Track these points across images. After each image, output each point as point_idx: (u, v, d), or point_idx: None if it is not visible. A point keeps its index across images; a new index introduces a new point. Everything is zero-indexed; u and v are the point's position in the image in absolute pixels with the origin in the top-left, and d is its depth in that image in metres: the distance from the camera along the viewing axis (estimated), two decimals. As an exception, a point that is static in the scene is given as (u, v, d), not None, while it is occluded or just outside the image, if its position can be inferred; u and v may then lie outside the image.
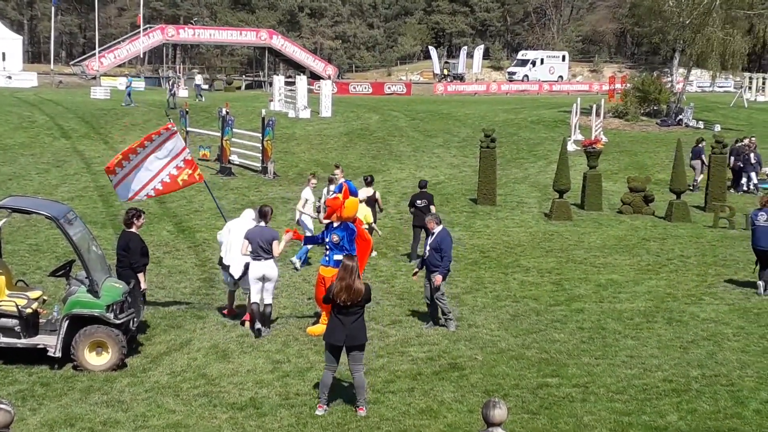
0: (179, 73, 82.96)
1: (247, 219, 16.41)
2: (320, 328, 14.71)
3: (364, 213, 20.21)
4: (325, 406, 11.78)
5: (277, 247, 15.52)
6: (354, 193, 15.38)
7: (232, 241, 16.00)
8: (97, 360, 13.32)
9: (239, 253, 15.63)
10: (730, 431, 11.17)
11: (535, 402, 12.15)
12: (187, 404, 12.08)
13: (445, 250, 15.70)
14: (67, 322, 13.29)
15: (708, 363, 13.89)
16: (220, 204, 18.84)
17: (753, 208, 28.88)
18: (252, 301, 15.59)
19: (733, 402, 12.17)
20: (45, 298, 14.93)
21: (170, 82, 55.47)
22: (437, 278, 15.57)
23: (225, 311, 16.64)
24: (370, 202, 21.58)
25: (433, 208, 21.10)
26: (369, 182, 22.25)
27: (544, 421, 11.47)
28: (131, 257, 14.85)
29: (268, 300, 15.58)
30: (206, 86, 69.13)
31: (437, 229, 15.87)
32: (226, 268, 16.26)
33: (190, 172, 17.96)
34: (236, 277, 15.98)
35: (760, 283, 18.56)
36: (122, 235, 15.19)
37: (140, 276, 14.92)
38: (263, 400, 12.22)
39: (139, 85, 67.08)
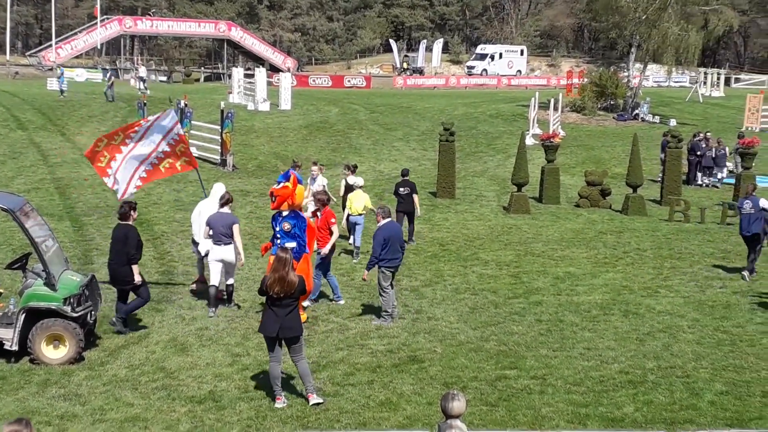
0: (120, 65, 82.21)
1: (217, 196, 16.74)
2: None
3: (365, 200, 20.82)
4: (282, 398, 11.78)
5: (237, 232, 15.92)
6: (300, 182, 15.54)
7: (202, 221, 16.49)
8: (54, 353, 13.21)
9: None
10: (685, 422, 11.30)
11: (493, 394, 12.22)
12: (146, 398, 12.03)
13: (373, 245, 15.64)
14: (23, 315, 13.16)
15: (664, 355, 14.05)
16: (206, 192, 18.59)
17: (708, 202, 29.33)
18: (211, 284, 16.03)
19: (688, 393, 12.32)
20: (1, 291, 14.79)
21: (108, 75, 54.41)
22: (363, 274, 15.76)
23: (195, 281, 17.61)
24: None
25: (416, 197, 22.19)
26: (354, 170, 22.85)
27: (502, 413, 11.55)
28: (129, 250, 14.64)
29: (230, 281, 16.33)
30: (165, 77, 68.67)
31: (382, 222, 15.76)
32: (196, 244, 17.17)
33: (171, 161, 18.32)
34: (203, 253, 16.76)
35: (745, 273, 19.31)
36: (119, 228, 14.91)
37: (135, 268, 14.76)
38: (222, 394, 12.20)
39: (96, 76, 66.52)
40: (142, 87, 58.64)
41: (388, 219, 15.91)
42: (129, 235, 14.72)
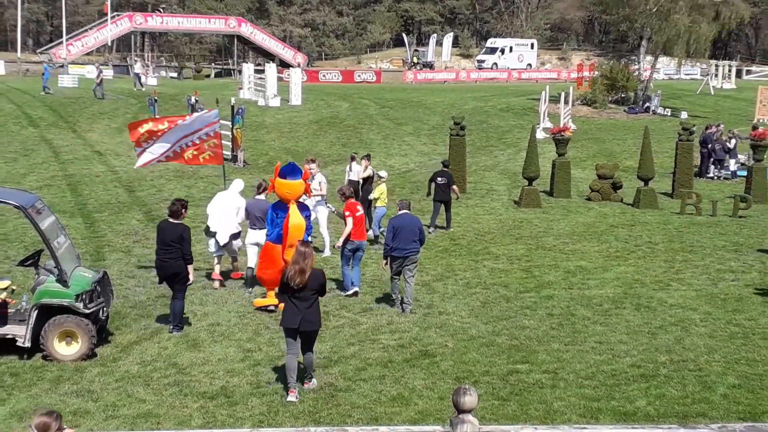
0: (108, 62, 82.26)
1: (235, 190, 18.00)
2: (266, 300, 15.98)
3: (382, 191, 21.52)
4: (295, 392, 11.84)
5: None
6: (282, 176, 15.76)
7: (220, 211, 17.61)
8: (66, 350, 13.25)
9: (226, 223, 17.36)
10: (697, 416, 11.27)
11: (505, 388, 12.22)
12: (158, 393, 12.05)
13: (386, 234, 16.36)
14: (36, 311, 13.20)
15: (676, 348, 14.02)
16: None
17: (720, 195, 29.22)
18: (248, 266, 17.28)
19: (700, 387, 12.29)
20: (14, 288, 14.81)
21: (97, 72, 53.89)
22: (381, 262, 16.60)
23: (213, 275, 17.92)
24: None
25: (455, 186, 23.57)
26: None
27: (514, 407, 11.54)
28: (185, 248, 14.58)
29: (251, 264, 17.22)
30: (170, 72, 68.54)
31: (398, 213, 16.28)
32: (213, 235, 17.74)
33: (196, 152, 18.75)
34: (221, 244, 17.57)
35: None
36: (172, 227, 14.74)
37: (190, 268, 14.74)
38: (234, 389, 12.21)
39: (107, 72, 66.51)
40: (138, 83, 58.30)
41: (404, 211, 16.29)
42: (185, 236, 14.63)
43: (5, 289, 13.99)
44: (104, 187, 28.72)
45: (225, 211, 17.63)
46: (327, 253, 20.37)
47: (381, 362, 13.33)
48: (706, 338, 14.57)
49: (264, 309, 16.00)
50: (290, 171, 15.84)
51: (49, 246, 13.30)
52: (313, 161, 22.00)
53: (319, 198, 20.60)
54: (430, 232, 22.28)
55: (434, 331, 14.93)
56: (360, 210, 17.55)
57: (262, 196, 17.48)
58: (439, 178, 23.43)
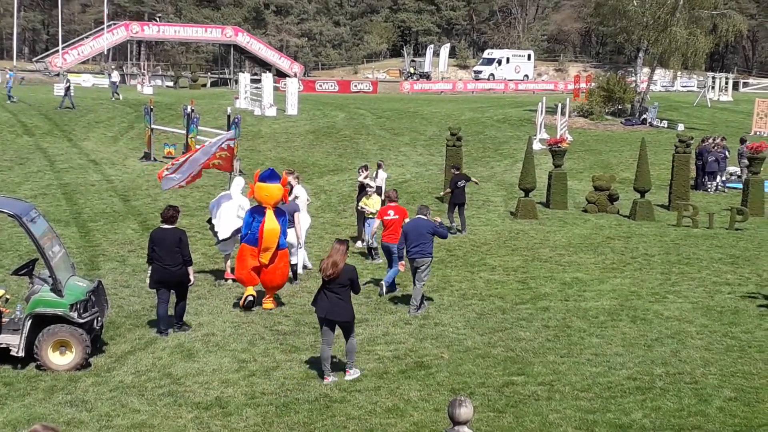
0: (127, 71, 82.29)
1: (237, 188, 18.80)
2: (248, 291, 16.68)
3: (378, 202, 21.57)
4: (331, 377, 12.86)
5: (298, 219, 18.24)
6: (261, 180, 16.77)
7: (222, 208, 18.33)
8: (60, 359, 13.20)
9: (227, 219, 18.02)
10: (693, 429, 11.26)
11: (500, 400, 12.19)
12: (152, 404, 12.00)
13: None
14: (30, 321, 13.16)
15: (672, 361, 14.00)
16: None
17: (717, 207, 29.23)
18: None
19: (696, 400, 12.27)
20: (8, 297, 14.78)
21: (65, 81, 53.28)
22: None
23: (225, 275, 18.88)
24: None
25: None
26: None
27: (509, 419, 11.51)
28: (184, 251, 15.02)
29: (293, 260, 18.44)
30: (166, 81, 68.29)
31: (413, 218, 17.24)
32: (215, 231, 18.55)
33: (207, 159, 19.26)
34: (221, 238, 18.18)
35: None
36: (170, 232, 15.06)
37: (190, 269, 15.21)
38: (229, 400, 12.17)
39: (102, 81, 66.55)
40: (115, 93, 56.90)
41: (419, 216, 17.04)
42: (182, 239, 15.06)
43: (-1, 298, 13.95)
44: (99, 196, 28.69)
45: (226, 208, 18.26)
46: (308, 264, 20.03)
47: (376, 373, 13.30)
48: (702, 351, 14.55)
49: (249, 304, 16.66)
50: (269, 176, 16.85)
51: (44, 255, 13.26)
52: (291, 173, 21.69)
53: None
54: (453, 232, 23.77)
55: (430, 342, 14.90)
56: (391, 214, 18.47)
57: (295, 190, 19.14)
58: (459, 182, 24.62)
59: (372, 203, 21.34)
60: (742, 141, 34.07)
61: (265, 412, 11.70)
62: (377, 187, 24.51)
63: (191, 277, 15.28)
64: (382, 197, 22.77)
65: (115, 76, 61.28)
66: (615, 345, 14.82)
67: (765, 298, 17.99)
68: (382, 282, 18.07)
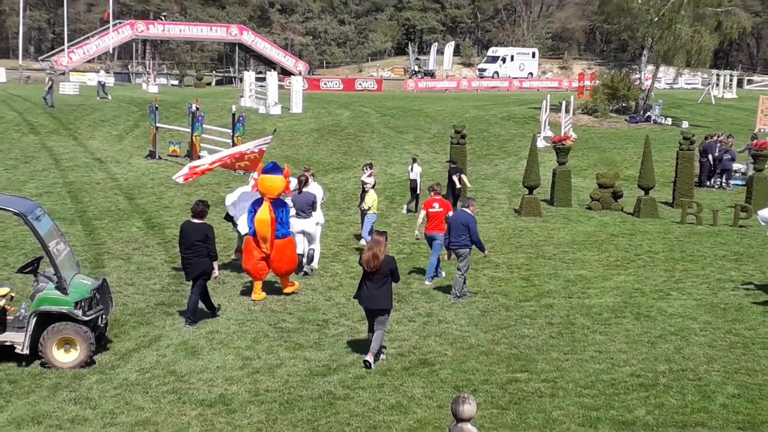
0: (132, 70, 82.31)
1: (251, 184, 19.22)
2: (258, 295, 17.29)
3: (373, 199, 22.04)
4: (371, 355, 13.47)
5: (317, 207, 19.45)
6: (265, 172, 17.47)
7: (240, 204, 18.81)
8: (65, 357, 13.24)
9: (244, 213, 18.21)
10: (697, 425, 11.26)
11: (504, 397, 12.20)
12: (156, 401, 12.04)
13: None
14: (35, 319, 13.20)
15: (675, 358, 14.01)
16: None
17: (721, 204, 29.20)
18: (298, 253, 18.48)
19: (700, 396, 12.28)
20: (13, 295, 14.79)
21: (47, 80, 52.81)
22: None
23: (236, 249, 19.92)
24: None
25: (465, 177, 26.06)
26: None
27: (513, 416, 11.53)
28: (210, 246, 15.43)
29: (312, 246, 19.42)
30: (171, 80, 68.21)
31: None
32: (234, 224, 19.36)
33: (234, 161, 20.17)
34: (243, 233, 18.26)
35: None
36: (197, 227, 15.50)
37: (215, 264, 15.61)
38: (233, 397, 12.20)
39: (108, 80, 66.45)
40: (101, 91, 55.95)
41: (462, 208, 18.00)
42: (209, 235, 15.46)
43: (4, 296, 13.97)
44: (104, 194, 28.72)
45: (244, 203, 18.60)
46: (314, 265, 20.03)
47: (380, 370, 13.32)
48: (706, 348, 14.55)
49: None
50: (272, 168, 17.48)
51: (49, 253, 13.30)
52: (307, 170, 21.89)
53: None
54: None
55: (433, 339, 14.92)
56: (436, 206, 18.92)
57: (310, 187, 19.72)
58: (455, 175, 26.33)
59: (367, 199, 21.61)
60: (754, 138, 33.98)
61: (269, 410, 11.73)
62: (412, 180, 27.06)
63: (215, 272, 15.67)
64: (418, 191, 26.76)
65: (102, 76, 60.73)
66: (618, 342, 14.83)
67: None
68: (431, 277, 19.00)
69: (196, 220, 15.59)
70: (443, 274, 19.31)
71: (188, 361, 13.73)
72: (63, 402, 11.94)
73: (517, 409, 11.77)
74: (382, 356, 13.82)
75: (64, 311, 13.23)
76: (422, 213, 19.27)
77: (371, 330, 13.76)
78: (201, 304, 15.80)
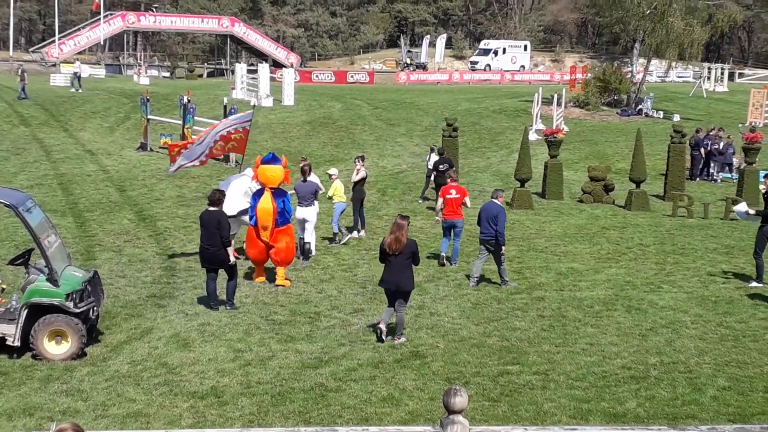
0: (123, 61, 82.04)
1: (248, 174, 19.58)
2: (262, 278, 18.07)
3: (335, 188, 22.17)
4: (383, 324, 14.25)
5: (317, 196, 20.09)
6: (265, 163, 17.93)
7: (231, 189, 18.90)
8: (56, 349, 13.22)
9: (235, 199, 18.70)
10: (687, 417, 11.29)
11: (495, 389, 12.22)
12: (148, 393, 12.03)
13: None
14: (26, 310, 13.17)
15: (666, 350, 14.04)
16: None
17: (712, 197, 29.25)
18: (300, 236, 19.66)
19: (690, 389, 12.31)
20: (4, 287, 14.79)
21: (20, 71, 52.27)
22: None
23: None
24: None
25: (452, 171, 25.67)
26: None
27: (504, 408, 11.55)
28: (223, 232, 15.78)
29: (308, 238, 19.95)
30: (163, 72, 67.87)
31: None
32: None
33: (222, 144, 20.83)
34: (228, 214, 17.81)
35: None
36: (212, 214, 15.95)
37: (230, 250, 15.99)
38: (224, 389, 12.20)
39: (99, 72, 66.28)
40: (76, 85, 55.10)
41: (491, 200, 18.58)
42: (221, 220, 15.85)
43: (-5, 288, 13.96)
44: (95, 186, 28.66)
45: (235, 187, 19.15)
46: (312, 252, 20.41)
47: (372, 363, 13.33)
48: (697, 340, 14.59)
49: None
50: (271, 159, 18.01)
51: (40, 245, 13.27)
52: (304, 160, 22.23)
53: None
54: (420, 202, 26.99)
55: (425, 332, 14.93)
56: (453, 193, 19.82)
57: (311, 178, 20.20)
58: (441, 166, 25.82)
59: (330, 189, 21.96)
60: (752, 130, 34.05)
61: (260, 402, 11.73)
62: (429, 169, 27.74)
63: (231, 258, 15.97)
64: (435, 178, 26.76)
65: (77, 67, 60.22)
66: (610, 334, 14.86)
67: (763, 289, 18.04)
68: (446, 257, 20.03)
69: (212, 208, 16.06)
70: (456, 259, 20.09)
71: (180, 353, 13.72)
72: (54, 394, 11.92)
73: (509, 401, 11.79)
74: (403, 338, 14.32)
75: (55, 303, 13.21)
76: (440, 200, 20.08)
77: (390, 306, 14.43)
78: (201, 295, 15.78)
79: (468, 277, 18.52)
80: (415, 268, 14.66)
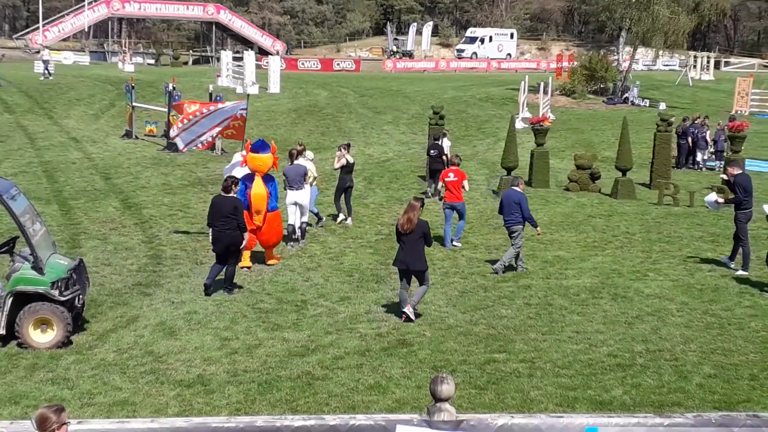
0: (108, 48, 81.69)
1: (236, 161, 20.29)
2: (244, 262, 17.93)
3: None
4: (408, 307, 14.65)
5: (307, 180, 20.13)
6: (254, 151, 18.24)
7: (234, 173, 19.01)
8: (42, 337, 13.17)
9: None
10: (673, 405, 11.32)
11: (482, 377, 12.23)
12: (134, 381, 12.00)
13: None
14: (11, 299, 13.11)
15: (652, 338, 14.08)
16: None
17: (698, 186, 29.33)
18: (289, 222, 20.00)
19: (676, 376, 12.35)
20: (-12, 275, 14.72)
21: None
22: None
23: None
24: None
25: (444, 157, 26.12)
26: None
27: (491, 396, 11.56)
28: (239, 218, 16.20)
29: (303, 219, 20.30)
30: (148, 59, 67.44)
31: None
32: None
33: (219, 130, 21.78)
34: None
35: None
36: (228, 200, 16.32)
37: (245, 234, 16.43)
38: (211, 377, 12.17)
39: (83, 59, 65.88)
40: (45, 72, 54.47)
41: (510, 187, 18.88)
42: (237, 207, 16.32)
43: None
44: (80, 174, 28.55)
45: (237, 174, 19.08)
46: (301, 244, 20.44)
47: (359, 351, 13.32)
48: (683, 328, 14.63)
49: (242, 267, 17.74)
50: (261, 146, 18.29)
51: (25, 233, 13.20)
52: (300, 144, 22.50)
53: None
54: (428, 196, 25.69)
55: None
56: (451, 176, 20.61)
57: (300, 161, 20.37)
58: (432, 151, 26.59)
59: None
60: (732, 119, 34.13)
61: (247, 390, 11.71)
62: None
63: (245, 242, 16.46)
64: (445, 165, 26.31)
65: (46, 54, 59.50)
66: (596, 322, 14.89)
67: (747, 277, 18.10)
68: (451, 244, 20.48)
69: (225, 194, 16.43)
70: (459, 245, 20.64)
71: (166, 341, 13.69)
72: (40, 382, 11.88)
73: (495, 389, 11.80)
74: (415, 307, 14.85)
75: (40, 291, 13.15)
76: (440, 183, 21.07)
77: (404, 287, 14.87)
78: (200, 283, 15.76)
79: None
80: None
